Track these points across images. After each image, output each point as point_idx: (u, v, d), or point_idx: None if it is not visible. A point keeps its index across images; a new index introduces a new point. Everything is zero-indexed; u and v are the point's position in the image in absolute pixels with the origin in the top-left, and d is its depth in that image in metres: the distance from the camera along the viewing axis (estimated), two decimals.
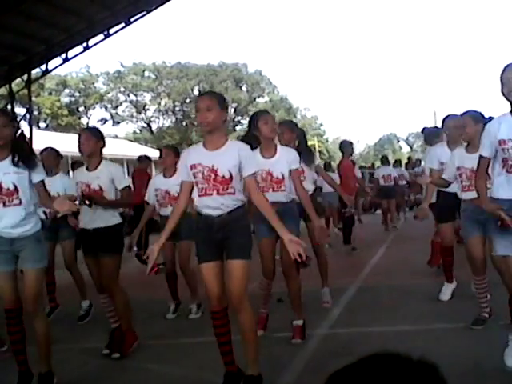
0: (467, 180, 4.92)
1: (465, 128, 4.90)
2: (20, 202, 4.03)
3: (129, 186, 5.23)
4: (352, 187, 10.59)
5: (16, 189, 4.01)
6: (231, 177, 3.80)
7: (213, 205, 3.83)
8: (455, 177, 5.09)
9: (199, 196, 3.88)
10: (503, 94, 3.79)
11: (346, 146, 10.78)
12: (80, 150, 5.01)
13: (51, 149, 6.59)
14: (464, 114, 5.02)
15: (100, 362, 4.88)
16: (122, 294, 5.04)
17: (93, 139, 4.95)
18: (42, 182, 4.13)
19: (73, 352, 5.17)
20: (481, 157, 4.04)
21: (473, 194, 4.75)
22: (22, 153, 4.06)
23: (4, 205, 4.01)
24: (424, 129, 7.86)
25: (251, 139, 4.79)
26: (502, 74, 3.77)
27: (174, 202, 6.15)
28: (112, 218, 5.04)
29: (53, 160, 6.45)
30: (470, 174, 4.85)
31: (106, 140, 5.17)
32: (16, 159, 4.02)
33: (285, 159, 4.95)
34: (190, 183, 3.93)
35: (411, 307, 5.94)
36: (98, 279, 5.09)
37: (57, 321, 6.25)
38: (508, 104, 3.82)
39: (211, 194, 3.82)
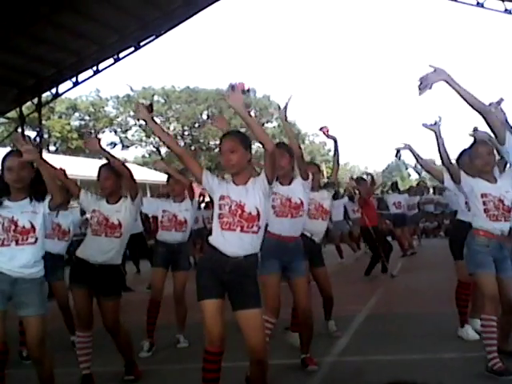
0: (495, 210, 4.65)
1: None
2: (35, 241, 3.88)
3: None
4: (375, 217, 11.50)
5: (32, 227, 3.87)
6: (258, 214, 3.65)
7: (232, 242, 3.62)
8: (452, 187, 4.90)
9: (221, 229, 3.65)
10: None
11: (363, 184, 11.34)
12: (101, 187, 4.92)
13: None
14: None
15: None
16: (125, 333, 4.88)
17: (112, 177, 4.86)
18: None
19: (76, 376, 5.06)
20: None
21: (504, 226, 4.62)
22: (39, 194, 3.95)
23: (17, 243, 3.84)
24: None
25: None
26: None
27: (179, 227, 6.09)
28: (120, 257, 4.87)
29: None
30: (497, 203, 4.64)
31: None
32: (34, 200, 3.93)
33: (301, 184, 4.83)
34: (201, 173, 3.77)
35: (419, 336, 5.83)
36: (86, 314, 4.74)
37: (55, 346, 6.13)
38: None
39: (234, 230, 3.62)
